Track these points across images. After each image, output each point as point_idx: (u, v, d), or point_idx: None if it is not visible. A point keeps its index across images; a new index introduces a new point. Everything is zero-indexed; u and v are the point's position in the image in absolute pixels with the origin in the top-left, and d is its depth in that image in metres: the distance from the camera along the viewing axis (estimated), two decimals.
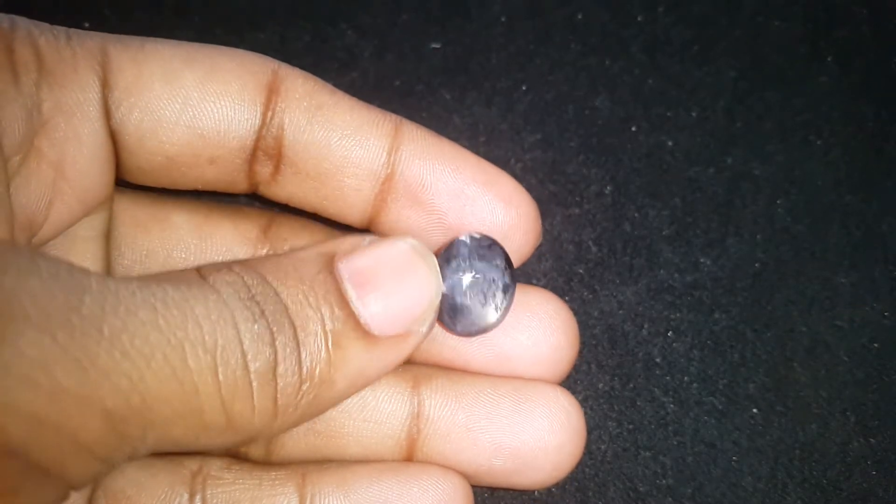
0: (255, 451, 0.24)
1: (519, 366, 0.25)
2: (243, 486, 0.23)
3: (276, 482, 0.23)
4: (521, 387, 0.24)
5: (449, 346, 0.25)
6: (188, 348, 0.17)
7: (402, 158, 0.23)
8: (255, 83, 0.23)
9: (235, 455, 0.24)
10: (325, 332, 0.19)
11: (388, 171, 0.23)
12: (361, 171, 0.23)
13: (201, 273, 0.19)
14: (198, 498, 0.23)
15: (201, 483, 0.23)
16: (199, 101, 0.22)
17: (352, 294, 0.20)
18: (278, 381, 0.18)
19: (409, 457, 0.24)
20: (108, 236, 0.24)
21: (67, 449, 0.16)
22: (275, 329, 0.18)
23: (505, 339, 0.25)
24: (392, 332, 0.20)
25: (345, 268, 0.20)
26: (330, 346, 0.19)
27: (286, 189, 0.24)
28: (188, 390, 0.17)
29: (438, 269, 0.22)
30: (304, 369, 0.19)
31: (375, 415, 0.24)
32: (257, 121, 0.23)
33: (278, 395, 0.19)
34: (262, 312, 0.18)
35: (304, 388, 0.19)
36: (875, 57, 0.33)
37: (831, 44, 0.33)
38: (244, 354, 0.18)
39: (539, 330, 0.25)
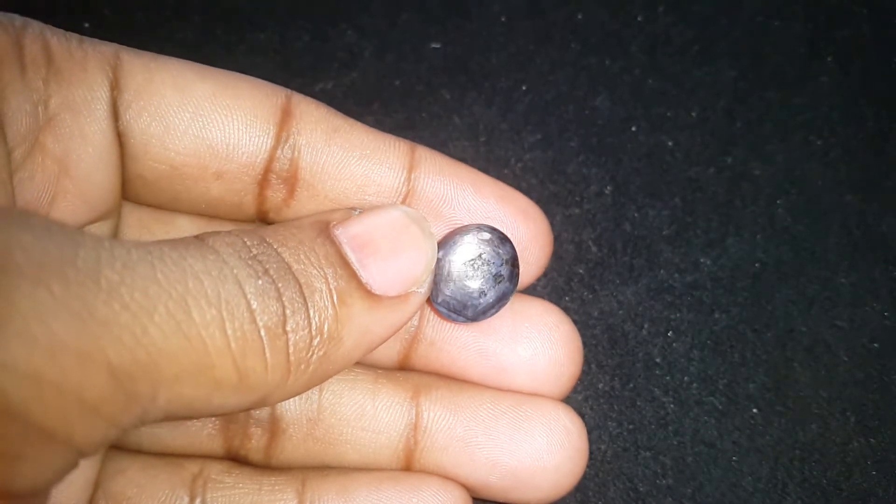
0: (255, 455, 0.24)
1: (516, 378, 0.25)
2: (243, 490, 0.23)
3: (276, 487, 0.23)
4: (521, 402, 0.24)
5: (446, 352, 0.25)
6: (191, 302, 0.17)
7: (421, 176, 0.24)
8: (269, 103, 0.23)
9: (235, 458, 0.24)
10: (330, 289, 0.19)
11: (408, 189, 0.23)
12: (382, 190, 0.23)
13: (199, 237, 0.18)
14: (198, 501, 0.23)
15: (201, 486, 0.23)
16: (211, 111, 0.22)
17: (351, 256, 0.20)
18: (289, 335, 0.18)
19: (407, 467, 0.24)
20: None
21: (71, 409, 0.15)
22: (280, 285, 0.18)
23: (503, 350, 0.25)
24: (393, 292, 0.20)
25: (342, 233, 0.20)
26: (336, 303, 0.19)
27: (301, 214, 0.24)
28: (196, 345, 0.17)
29: (433, 233, 0.22)
30: (314, 324, 0.19)
31: (374, 424, 0.24)
32: (270, 140, 0.22)
33: (291, 350, 0.18)
34: (266, 270, 0.18)
35: (315, 343, 0.19)
36: (875, 57, 0.33)
37: (831, 44, 0.33)
38: (251, 309, 0.18)
39: (538, 342, 0.25)
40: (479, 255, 0.23)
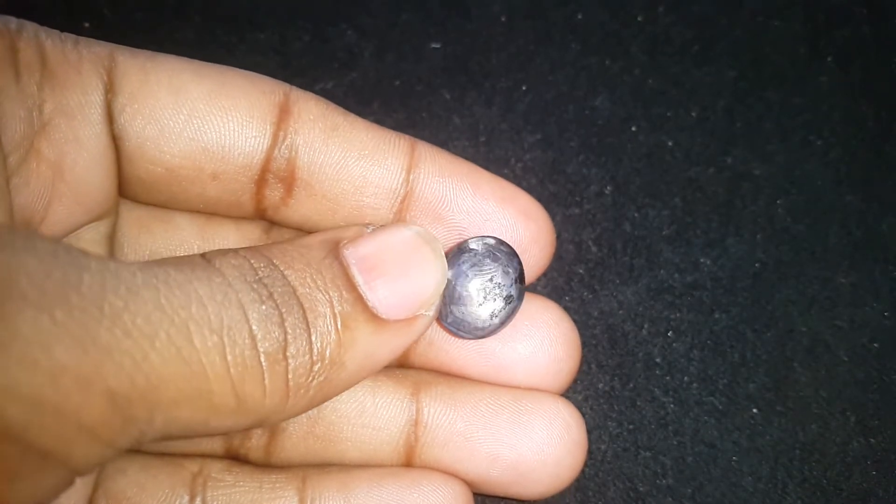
0: (255, 453, 0.24)
1: (516, 376, 0.25)
2: (244, 489, 0.23)
3: (277, 485, 0.23)
4: (521, 397, 0.24)
5: (446, 351, 0.25)
6: (193, 328, 0.17)
7: (420, 176, 0.23)
8: (266, 102, 0.22)
9: (236, 457, 0.24)
10: (335, 314, 0.19)
11: (407, 189, 0.23)
12: (380, 191, 0.23)
13: (206, 257, 0.18)
14: (198, 500, 0.23)
15: (202, 485, 0.23)
16: (206, 113, 0.22)
17: (359, 279, 0.20)
18: (289, 361, 0.18)
19: (408, 463, 0.24)
20: (111, 238, 0.24)
21: (69, 431, 0.15)
22: (284, 310, 0.18)
23: (503, 349, 0.24)
24: (400, 315, 0.20)
25: (351, 254, 0.20)
26: (339, 328, 0.19)
27: (299, 212, 0.24)
28: (196, 371, 0.17)
29: (443, 254, 0.22)
30: (315, 350, 0.19)
31: (374, 420, 0.24)
32: (267, 140, 0.22)
33: (290, 376, 0.18)
34: (270, 294, 0.18)
35: (316, 368, 0.19)
36: (875, 57, 0.33)
37: (831, 44, 0.33)
38: (252, 335, 0.18)
39: (538, 340, 0.24)
40: (491, 279, 0.22)
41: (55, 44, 0.21)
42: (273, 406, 0.18)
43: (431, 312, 0.21)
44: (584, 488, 0.28)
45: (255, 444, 0.24)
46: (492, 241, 0.23)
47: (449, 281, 0.22)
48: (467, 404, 0.24)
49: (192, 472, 0.23)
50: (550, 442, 0.24)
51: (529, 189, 0.30)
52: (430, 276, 0.21)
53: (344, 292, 0.19)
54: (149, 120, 0.22)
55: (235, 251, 0.19)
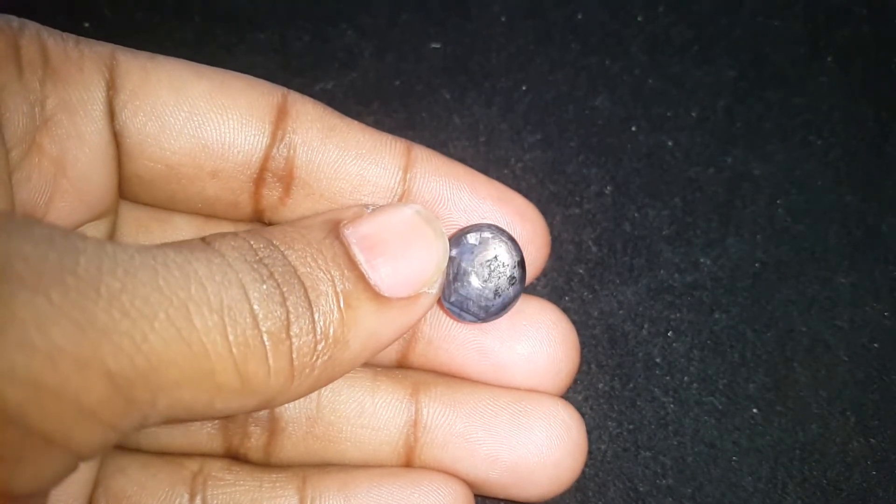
0: (255, 453, 0.24)
1: (515, 376, 0.25)
2: (244, 488, 0.23)
3: (277, 484, 0.23)
4: (520, 398, 0.24)
5: (445, 350, 0.25)
6: (192, 308, 0.17)
7: (416, 176, 0.24)
8: (264, 102, 0.23)
9: (235, 456, 0.24)
10: (337, 293, 0.19)
11: (404, 188, 0.24)
12: (378, 189, 0.23)
13: (205, 240, 0.18)
14: (198, 498, 0.23)
15: (202, 484, 0.23)
16: (206, 111, 0.22)
17: (360, 257, 0.20)
18: (293, 340, 0.18)
19: (408, 464, 0.24)
20: (111, 237, 0.24)
21: (69, 414, 0.15)
22: (285, 289, 0.18)
23: (501, 348, 0.25)
24: (402, 293, 0.20)
25: (351, 233, 0.20)
26: (342, 307, 0.19)
27: (297, 212, 0.24)
28: (197, 351, 0.17)
29: (444, 233, 0.22)
30: (318, 329, 0.19)
31: (373, 421, 0.24)
32: (266, 139, 0.23)
33: (294, 355, 0.18)
34: (271, 274, 0.18)
35: (320, 347, 0.19)
36: (875, 57, 0.33)
37: (831, 44, 0.33)
38: (254, 314, 0.18)
39: (536, 340, 0.25)
40: (496, 257, 0.23)
41: (57, 42, 0.21)
42: (279, 386, 0.18)
43: (434, 290, 0.21)
44: (584, 488, 0.28)
45: (254, 443, 0.24)
46: (496, 228, 0.23)
47: (452, 258, 0.22)
48: (467, 405, 0.24)
49: (192, 471, 0.23)
50: (550, 444, 0.24)
51: (529, 189, 0.30)
52: (432, 254, 0.21)
53: (346, 271, 0.19)
54: (150, 117, 0.22)
55: (235, 233, 0.19)
